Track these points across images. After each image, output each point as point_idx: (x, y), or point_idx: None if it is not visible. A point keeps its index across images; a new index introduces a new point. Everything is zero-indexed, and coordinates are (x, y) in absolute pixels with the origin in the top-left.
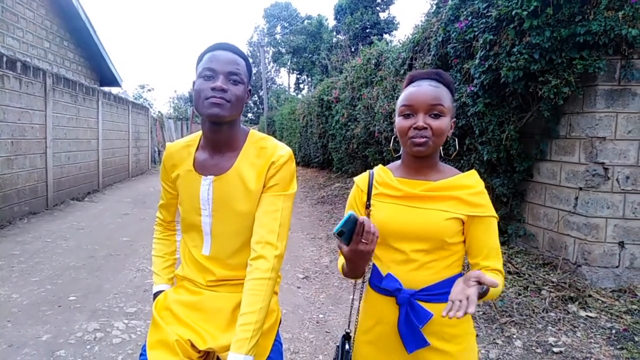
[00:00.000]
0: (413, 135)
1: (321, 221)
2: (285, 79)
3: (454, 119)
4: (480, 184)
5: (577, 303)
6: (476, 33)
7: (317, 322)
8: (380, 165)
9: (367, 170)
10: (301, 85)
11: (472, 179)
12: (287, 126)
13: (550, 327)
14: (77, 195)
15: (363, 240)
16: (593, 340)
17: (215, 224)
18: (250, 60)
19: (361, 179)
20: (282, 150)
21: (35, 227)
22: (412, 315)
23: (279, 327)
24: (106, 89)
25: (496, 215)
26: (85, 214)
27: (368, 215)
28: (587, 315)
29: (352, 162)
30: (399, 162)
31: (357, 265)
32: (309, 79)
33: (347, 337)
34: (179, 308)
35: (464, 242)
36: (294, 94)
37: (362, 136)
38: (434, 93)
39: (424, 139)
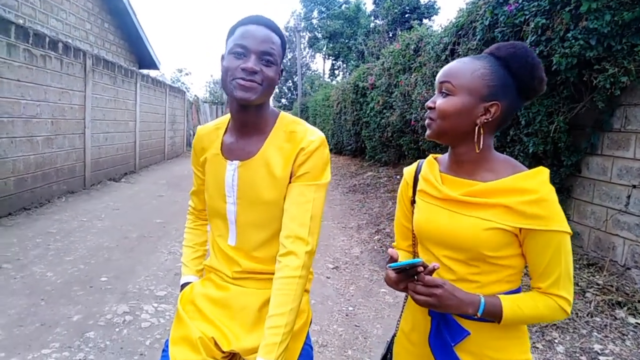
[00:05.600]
0: (425, 116)
1: (352, 210)
2: (320, 64)
3: (492, 102)
4: (544, 189)
5: (625, 308)
6: (527, 17)
7: (347, 315)
8: (430, 156)
9: (417, 161)
10: (336, 72)
11: (533, 181)
12: (320, 112)
13: (595, 333)
14: (114, 175)
15: (416, 291)
16: None
17: (240, 212)
18: (286, 43)
19: (408, 171)
20: (314, 136)
21: (73, 206)
22: (444, 330)
23: (309, 328)
24: (144, 71)
25: (566, 229)
26: (121, 194)
27: (412, 211)
28: (637, 323)
29: (385, 151)
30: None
31: (391, 287)
32: (344, 65)
33: (394, 337)
34: (204, 303)
35: (523, 255)
36: (329, 80)
37: (398, 124)
38: (447, 69)
39: (428, 120)
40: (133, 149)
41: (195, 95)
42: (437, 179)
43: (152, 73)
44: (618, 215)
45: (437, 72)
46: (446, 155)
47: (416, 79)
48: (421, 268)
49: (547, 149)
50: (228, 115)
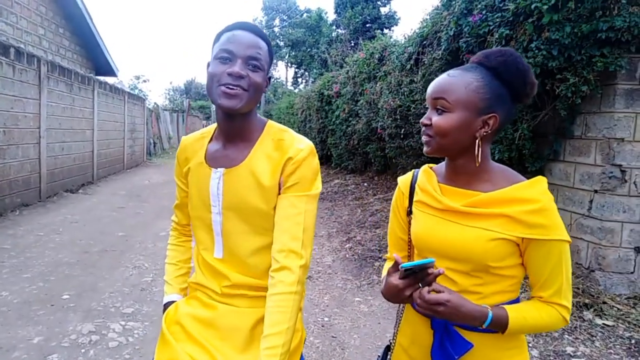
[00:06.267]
0: (421, 132)
1: (322, 218)
2: (282, 72)
3: (489, 115)
4: (544, 198)
5: (592, 310)
6: (491, 27)
7: (323, 326)
8: (426, 166)
9: (412, 170)
10: (299, 80)
11: (533, 190)
12: (284, 120)
13: (567, 336)
14: (70, 187)
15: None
16: (613, 351)
17: (226, 222)
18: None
19: (403, 181)
20: (302, 144)
21: (28, 220)
22: (447, 343)
23: (302, 348)
24: (102, 78)
25: (566, 238)
26: (79, 206)
27: (409, 222)
28: (603, 324)
29: (351, 159)
30: (445, 162)
31: (391, 300)
32: (307, 73)
33: (389, 349)
34: (191, 323)
35: (523, 264)
36: (292, 88)
37: (364, 132)
38: (439, 85)
39: (427, 138)
40: (91, 158)
41: (155, 103)
42: (436, 189)
43: (110, 80)
44: (581, 219)
45: (402, 81)
46: (442, 164)
47: (381, 88)
48: (431, 270)
49: (512, 156)
50: (214, 125)
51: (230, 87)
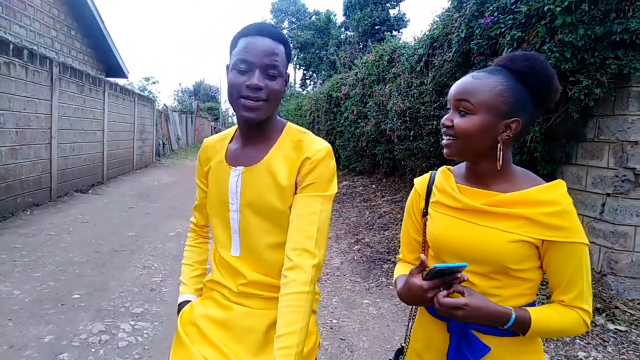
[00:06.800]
0: (442, 133)
1: (330, 220)
2: (291, 74)
3: (512, 119)
4: (565, 201)
5: (604, 315)
6: (503, 30)
7: (332, 328)
8: (444, 168)
9: (429, 172)
10: (308, 82)
11: (554, 193)
12: (293, 122)
13: (578, 341)
14: (81, 187)
15: (442, 302)
16: (626, 357)
17: (244, 220)
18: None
19: (420, 182)
20: (319, 145)
21: (39, 220)
22: (464, 347)
23: (317, 352)
24: (112, 80)
25: (587, 241)
26: (90, 207)
27: (424, 224)
28: (616, 329)
29: (360, 161)
30: (464, 164)
31: (410, 302)
32: (316, 76)
33: (401, 352)
34: (207, 324)
35: (542, 267)
36: (300, 90)
37: (373, 134)
38: (463, 87)
39: (449, 140)
40: (101, 159)
41: (165, 105)
42: (454, 189)
43: (121, 82)
44: (594, 223)
45: (412, 83)
46: (461, 166)
47: (391, 90)
48: (460, 274)
49: (524, 159)
50: (235, 127)
51: (251, 99)
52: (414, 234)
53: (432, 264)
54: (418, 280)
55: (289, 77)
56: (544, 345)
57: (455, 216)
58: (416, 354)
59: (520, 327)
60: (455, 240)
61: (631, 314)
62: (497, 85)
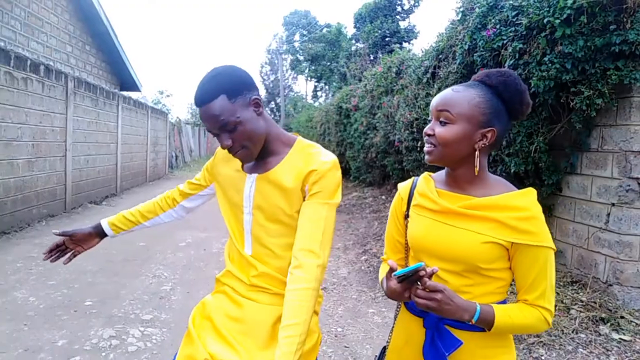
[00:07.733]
0: (424, 142)
1: (338, 231)
2: (302, 86)
3: (488, 129)
4: (534, 207)
5: (608, 324)
6: (505, 41)
7: (336, 336)
8: (425, 173)
9: (412, 177)
10: (318, 93)
11: (524, 199)
12: (304, 134)
13: (581, 350)
14: (95, 198)
15: (417, 295)
16: None
17: (255, 222)
18: (268, 68)
19: (403, 187)
20: (326, 157)
21: (54, 230)
22: (438, 341)
23: (318, 350)
24: (126, 93)
25: (552, 246)
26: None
27: (406, 226)
28: (620, 339)
29: (369, 172)
30: (444, 171)
31: (395, 300)
32: (327, 87)
33: (385, 349)
34: (220, 318)
35: (510, 268)
36: (311, 101)
37: (382, 145)
38: (444, 99)
39: (430, 147)
40: (114, 171)
41: (177, 117)
42: (433, 192)
43: (134, 95)
44: (599, 232)
45: (418, 94)
46: (441, 172)
47: (398, 101)
48: (423, 272)
49: (529, 169)
50: None
51: (233, 153)
52: (396, 236)
53: (412, 264)
54: (392, 284)
55: (251, 98)
56: (545, 353)
57: (433, 218)
58: (397, 349)
59: (485, 322)
60: (432, 240)
61: (636, 324)
62: (474, 98)
